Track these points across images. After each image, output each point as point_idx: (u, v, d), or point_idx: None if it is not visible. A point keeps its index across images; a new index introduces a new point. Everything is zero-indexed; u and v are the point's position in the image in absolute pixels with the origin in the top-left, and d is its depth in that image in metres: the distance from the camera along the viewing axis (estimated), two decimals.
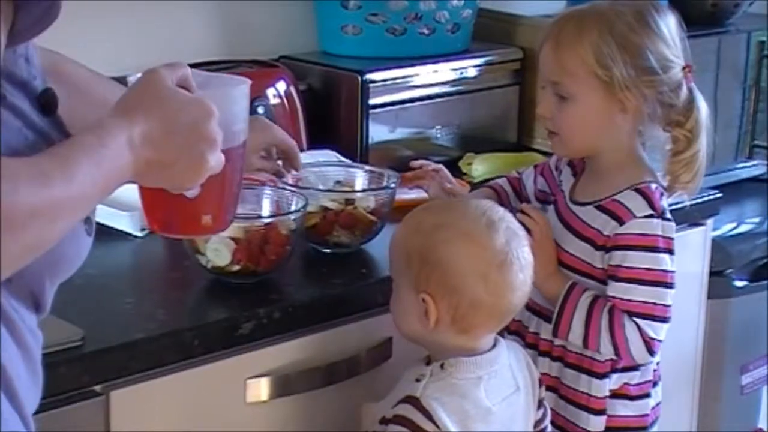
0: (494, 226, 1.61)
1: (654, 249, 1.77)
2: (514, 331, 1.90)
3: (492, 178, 2.12)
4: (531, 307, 1.85)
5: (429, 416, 1.57)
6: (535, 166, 2.01)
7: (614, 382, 1.84)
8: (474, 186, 2.18)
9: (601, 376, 1.82)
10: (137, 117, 1.13)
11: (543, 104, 1.84)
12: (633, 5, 1.78)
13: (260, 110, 2.19)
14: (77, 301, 1.62)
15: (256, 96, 2.19)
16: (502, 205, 1.75)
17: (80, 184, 1.07)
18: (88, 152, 1.09)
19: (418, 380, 1.61)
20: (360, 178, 2.02)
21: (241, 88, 1.28)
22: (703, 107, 1.79)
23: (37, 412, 1.20)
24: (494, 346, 1.68)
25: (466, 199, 1.88)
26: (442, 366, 1.62)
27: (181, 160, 1.16)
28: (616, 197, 1.80)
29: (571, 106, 1.80)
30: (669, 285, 1.78)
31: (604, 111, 1.77)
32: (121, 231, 1.96)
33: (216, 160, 1.18)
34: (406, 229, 1.64)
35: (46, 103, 1.15)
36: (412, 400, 1.59)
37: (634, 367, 1.84)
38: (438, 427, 1.57)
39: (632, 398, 1.84)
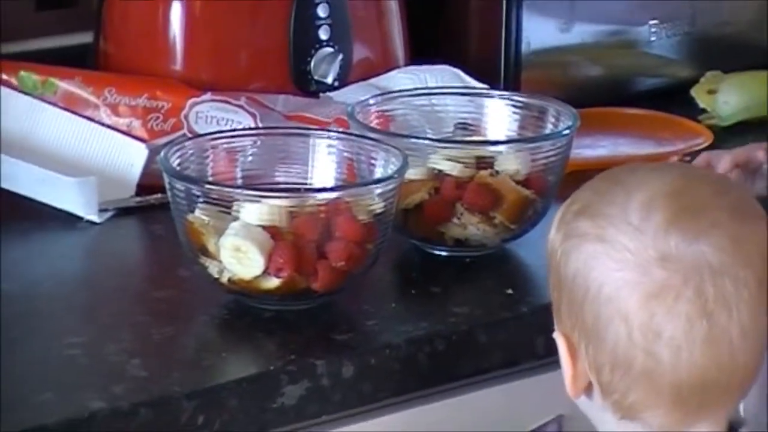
0: (652, 209, 1.18)
1: None
2: None
3: (757, 121, 1.85)
4: None
5: None
6: None
7: None
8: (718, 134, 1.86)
9: None
10: None
11: None
12: None
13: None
14: None
15: None
16: None
17: None
18: None
19: None
20: (503, 119, 1.64)
21: None
22: None
23: None
24: None
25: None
26: None
27: None
28: None
29: None
30: None
31: None
32: (65, 212, 1.61)
33: None
34: (555, 220, 1.33)
35: None
36: None
37: None
38: None
39: None
